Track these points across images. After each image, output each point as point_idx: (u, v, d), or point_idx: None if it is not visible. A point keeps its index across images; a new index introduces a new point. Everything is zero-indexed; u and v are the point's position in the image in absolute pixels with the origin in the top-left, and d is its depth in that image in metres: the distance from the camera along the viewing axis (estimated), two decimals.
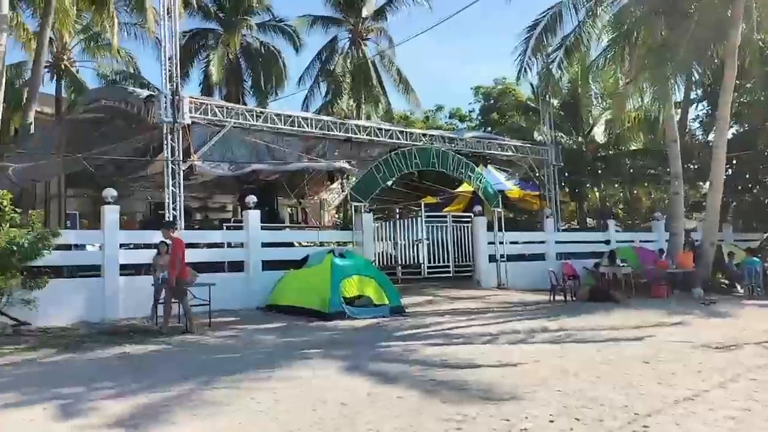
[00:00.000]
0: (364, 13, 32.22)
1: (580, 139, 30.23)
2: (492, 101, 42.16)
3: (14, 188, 14.16)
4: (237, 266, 14.48)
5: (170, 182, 13.69)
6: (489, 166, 25.77)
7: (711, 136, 28.96)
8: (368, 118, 30.20)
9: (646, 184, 30.56)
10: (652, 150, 30.54)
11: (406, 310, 13.16)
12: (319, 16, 32.48)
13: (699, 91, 29.09)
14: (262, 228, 14.59)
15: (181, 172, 13.84)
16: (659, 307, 13.73)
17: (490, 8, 79.71)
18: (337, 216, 30.53)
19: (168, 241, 10.89)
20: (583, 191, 32.15)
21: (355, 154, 17.22)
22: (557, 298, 15.39)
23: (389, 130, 17.92)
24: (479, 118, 43.48)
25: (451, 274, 18.39)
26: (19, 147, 15.85)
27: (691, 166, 28.45)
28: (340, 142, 16.99)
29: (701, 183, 31.86)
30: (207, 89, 29.44)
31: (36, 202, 17.20)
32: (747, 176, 25.56)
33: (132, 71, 29.64)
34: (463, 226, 18.81)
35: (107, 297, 12.18)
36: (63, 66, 28.88)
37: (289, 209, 25.42)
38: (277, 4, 43.85)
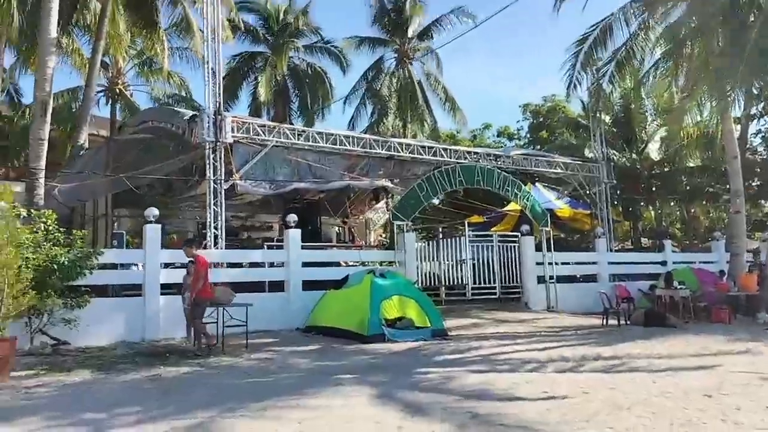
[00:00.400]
0: (410, 33, 32.20)
1: (633, 156, 29.17)
2: (541, 119, 41.46)
3: (62, 208, 14.40)
4: (277, 286, 14.29)
5: (212, 201, 13.63)
6: (537, 184, 25.16)
7: None
8: (414, 137, 29.95)
9: (704, 202, 29.15)
10: (710, 167, 29.34)
11: (449, 334, 12.70)
12: (366, 37, 32.64)
13: (760, 106, 27.89)
14: (303, 247, 14.37)
15: (223, 191, 13.76)
16: (721, 333, 12.88)
17: (540, 25, 78.91)
18: (383, 235, 30.27)
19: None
20: (638, 210, 31.03)
21: (398, 173, 16.90)
22: (610, 322, 14.64)
23: (432, 147, 17.56)
24: (528, 136, 42.77)
25: (497, 296, 17.79)
26: (68, 168, 16.14)
27: (753, 184, 27.15)
28: (382, 161, 16.70)
29: (763, 201, 30.47)
30: (255, 110, 29.77)
31: (84, 222, 17.51)
32: None
33: (184, 94, 30.30)
34: (511, 246, 18.21)
35: (147, 317, 12.11)
36: (118, 90, 29.69)
37: (337, 228, 25.32)
38: (326, 25, 44.28)
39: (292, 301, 13.92)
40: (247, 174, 14.28)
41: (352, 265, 15.13)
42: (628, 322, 14.67)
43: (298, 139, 15.03)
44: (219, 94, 13.92)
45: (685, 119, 17.16)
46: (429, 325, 12.51)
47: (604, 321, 14.69)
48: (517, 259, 18.13)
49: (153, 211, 12.42)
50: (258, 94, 28.37)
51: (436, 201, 19.75)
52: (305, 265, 14.31)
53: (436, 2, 57.64)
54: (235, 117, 14.68)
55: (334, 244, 18.12)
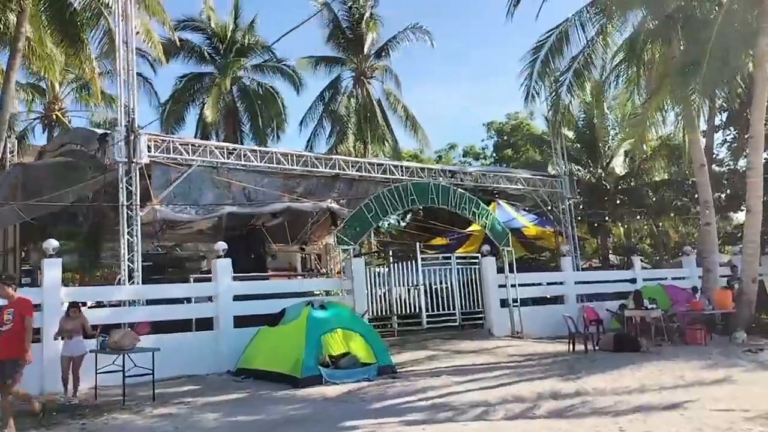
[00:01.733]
0: (366, 50, 31.14)
1: (599, 170, 28.25)
2: (505, 137, 40.65)
3: None
4: (207, 324, 12.74)
5: (125, 230, 12.07)
6: (501, 202, 24.02)
7: (741, 162, 27.01)
8: (376, 157, 28.72)
9: (672, 216, 28.30)
10: (677, 180, 28.62)
11: (399, 370, 11.31)
12: (322, 56, 31.55)
13: (725, 116, 27.25)
14: (235, 279, 12.86)
15: (138, 218, 12.23)
16: (697, 357, 11.64)
17: (506, 42, 78.92)
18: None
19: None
20: (605, 226, 30.08)
21: (345, 193, 15.53)
22: (577, 347, 13.35)
23: (382, 164, 16.27)
24: (493, 155, 41.88)
25: (458, 323, 16.39)
26: None
27: (721, 196, 26.37)
28: (328, 181, 15.34)
29: (732, 213, 29.72)
30: (203, 133, 28.25)
31: None
32: None
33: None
34: (471, 269, 16.90)
35: (45, 367, 10.44)
36: (55, 116, 28.05)
37: (301, 256, 23.85)
38: (281, 44, 42.96)
39: (223, 340, 12.38)
40: (168, 198, 12.76)
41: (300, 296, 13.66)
42: (597, 348, 13.39)
43: (228, 158, 13.60)
44: (133, 109, 12.48)
45: (648, 128, 16.06)
46: (375, 361, 11.08)
47: (571, 347, 13.39)
48: (478, 282, 16.82)
49: (52, 244, 10.84)
50: (204, 116, 26.87)
51: (402, 223, 18.45)
52: (237, 298, 12.79)
53: (393, 20, 56.97)
54: (152, 135, 13.22)
55: (273, 274, 16.58)
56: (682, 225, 35.94)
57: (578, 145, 30.48)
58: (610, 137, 30.31)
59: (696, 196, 17.63)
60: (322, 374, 10.35)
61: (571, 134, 30.77)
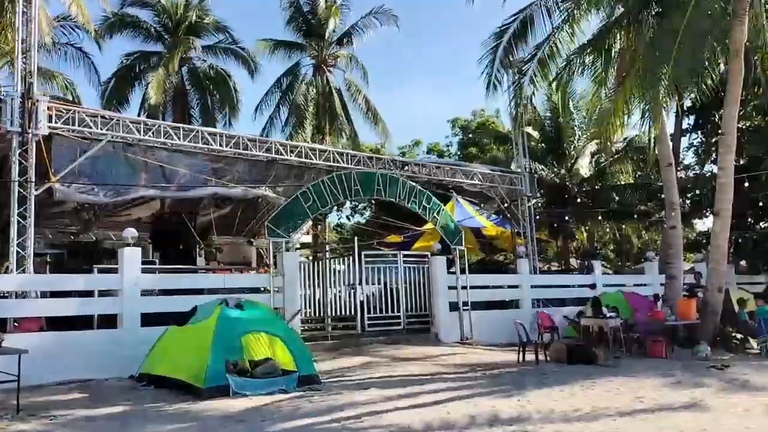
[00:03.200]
0: (327, 36, 29.65)
1: (563, 171, 27.22)
2: (470, 134, 39.51)
3: None
4: (112, 321, 11.18)
5: (16, 211, 10.44)
6: (460, 199, 22.84)
7: (707, 167, 26.27)
8: None
9: (635, 218, 27.44)
10: (642, 183, 27.81)
11: (325, 380, 9.93)
12: (281, 40, 29.93)
13: (692, 119, 26.51)
14: (144, 271, 11.31)
15: (33, 197, 10.60)
16: (658, 373, 10.49)
17: (474, 34, 78.04)
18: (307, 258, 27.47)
19: None
20: (568, 229, 29.12)
21: (282, 180, 14.06)
22: (528, 357, 12.11)
23: (325, 150, 14.83)
24: (458, 152, 40.72)
25: (401, 327, 15.05)
26: None
27: (686, 202, 25.58)
28: (263, 166, 13.86)
29: (696, 219, 29.03)
30: (148, 116, 26.41)
31: None
32: (750, 210, 22.57)
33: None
34: (419, 268, 15.58)
35: None
36: None
37: (256, 250, 22.32)
38: (235, 25, 41.16)
39: (127, 340, 10.83)
40: (71, 177, 11.15)
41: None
42: (549, 358, 12.17)
43: (145, 134, 12.02)
44: (30, 72, 10.83)
45: (614, 124, 14.85)
46: (296, 369, 9.67)
47: (520, 356, 12.15)
48: (426, 283, 15.52)
49: None
50: (148, 96, 25.05)
51: (361, 219, 17.03)
52: (147, 293, 11.25)
53: (358, 7, 55.45)
54: (54, 103, 11.57)
55: (197, 267, 14.99)
56: (645, 231, 35.37)
57: (543, 145, 29.54)
58: (576, 138, 29.31)
59: (662, 197, 16.55)
60: (230, 384, 8.91)
61: (536, 134, 29.84)
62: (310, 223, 23.35)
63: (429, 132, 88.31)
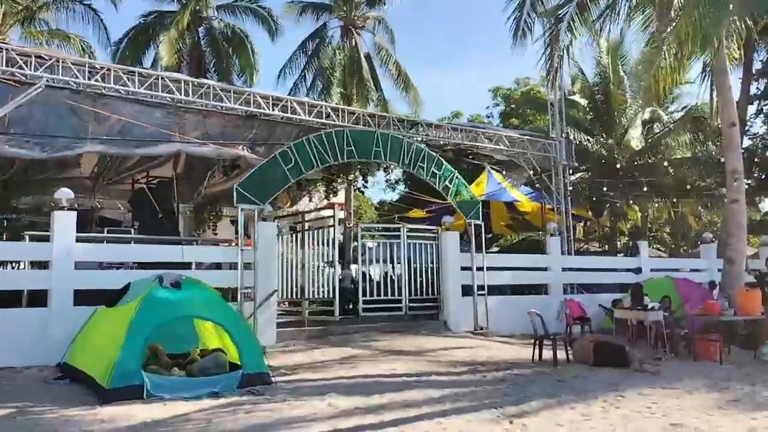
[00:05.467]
0: None
1: (610, 142, 24.32)
2: (513, 105, 36.68)
3: None
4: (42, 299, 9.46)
5: None
6: (491, 170, 20.55)
7: None
8: None
9: (693, 194, 24.37)
10: (702, 158, 24.71)
11: (280, 379, 8.06)
12: (309, 2, 28.05)
13: (762, 84, 23.33)
14: (79, 240, 9.50)
15: None
16: (708, 384, 8.12)
17: None
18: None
19: None
20: (616, 207, 26.23)
21: (264, 138, 12.05)
22: (545, 355, 9.85)
23: (316, 105, 12.71)
24: (499, 124, 37.98)
25: (403, 313, 12.93)
26: None
27: (753, 175, 22.54)
28: (241, 121, 11.87)
29: (764, 197, 25.82)
30: None
31: None
32: None
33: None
34: (426, 245, 13.41)
35: None
36: None
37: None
38: None
39: (56, 321, 9.11)
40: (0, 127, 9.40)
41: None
42: (571, 357, 9.88)
43: (91, 79, 10.14)
44: None
45: (665, 69, 12.11)
46: (240, 365, 7.73)
47: (536, 355, 9.90)
48: (435, 262, 13.35)
49: None
50: (159, 57, 23.39)
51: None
52: (83, 267, 9.46)
53: None
54: None
55: (164, 238, 13.03)
56: (705, 211, 32.00)
57: (591, 115, 26.70)
58: (627, 106, 26.28)
59: (724, 173, 13.78)
60: (146, 383, 7.01)
61: (583, 102, 27.05)
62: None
63: (472, 107, 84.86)
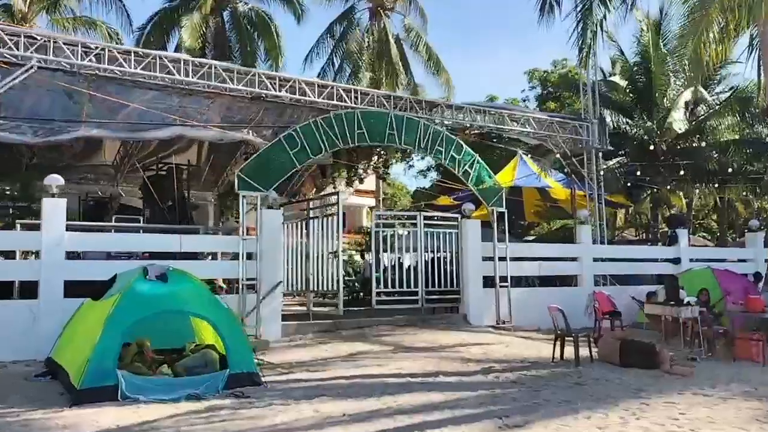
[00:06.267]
0: None
1: (649, 124, 22.99)
2: (549, 88, 35.31)
3: None
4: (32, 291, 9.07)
5: None
6: (524, 156, 19.70)
7: None
8: None
9: (741, 183, 22.92)
10: (750, 140, 23.23)
11: (273, 378, 7.55)
12: None
13: None
14: (70, 228, 9.07)
15: None
16: (746, 391, 7.26)
17: None
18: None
19: None
20: (660, 194, 24.87)
21: (272, 121, 11.45)
22: (567, 354, 9.05)
23: (327, 86, 12.04)
24: (536, 108, 36.66)
25: (419, 305, 12.23)
26: None
27: None
28: (246, 104, 11.29)
29: None
30: None
31: None
32: None
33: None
34: (447, 234, 12.66)
35: None
36: None
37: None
38: None
39: (44, 314, 8.71)
40: None
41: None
42: (596, 357, 9.05)
43: (83, 59, 9.66)
44: None
45: (706, 41, 10.94)
46: (228, 364, 7.17)
47: (557, 352, 9.10)
48: (453, 252, 12.60)
49: None
50: (182, 41, 23.03)
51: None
52: (75, 257, 9.05)
53: None
54: None
55: (160, 227, 12.54)
56: (753, 197, 30.24)
57: (631, 96, 25.34)
58: (669, 87, 24.83)
59: None
60: (120, 385, 6.51)
61: (623, 83, 25.70)
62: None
63: (510, 92, 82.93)
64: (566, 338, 9.09)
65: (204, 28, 24.07)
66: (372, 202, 31.35)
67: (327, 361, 8.85)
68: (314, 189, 20.49)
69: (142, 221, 12.95)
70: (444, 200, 21.56)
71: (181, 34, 23.27)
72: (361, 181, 20.35)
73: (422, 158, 27.51)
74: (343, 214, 11.62)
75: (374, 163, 18.77)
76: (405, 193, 42.35)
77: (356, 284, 12.38)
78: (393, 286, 11.94)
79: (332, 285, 11.19)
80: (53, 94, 9.63)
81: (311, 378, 7.80)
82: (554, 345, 9.17)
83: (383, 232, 12.16)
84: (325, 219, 11.52)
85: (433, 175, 35.62)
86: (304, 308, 12.29)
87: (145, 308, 7.13)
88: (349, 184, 19.22)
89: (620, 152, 23.05)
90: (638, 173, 19.72)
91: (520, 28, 73.76)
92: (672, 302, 10.07)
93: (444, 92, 29.80)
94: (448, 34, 56.17)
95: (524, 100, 37.73)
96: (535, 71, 36.03)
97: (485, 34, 72.77)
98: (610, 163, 21.34)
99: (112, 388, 6.46)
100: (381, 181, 28.00)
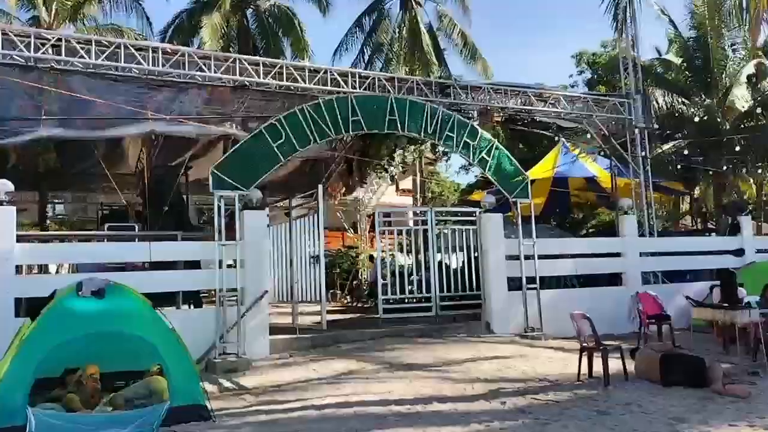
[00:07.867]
0: None
1: (708, 102, 20.75)
2: (599, 71, 33.09)
3: None
4: None
5: None
6: (566, 142, 18.09)
7: None
8: None
9: None
10: None
11: (236, 406, 6.45)
12: None
13: None
14: (20, 239, 8.10)
15: None
16: None
17: None
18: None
19: None
20: (720, 179, 22.54)
21: (258, 112, 10.28)
22: (596, 370, 7.47)
23: (319, 70, 10.75)
24: None
25: (433, 313, 10.81)
26: None
27: None
28: (229, 93, 10.16)
29: None
30: None
31: None
32: None
33: None
34: (464, 231, 11.21)
35: None
36: None
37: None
38: None
39: None
40: None
41: None
42: (634, 372, 7.45)
43: (37, 52, 8.71)
44: None
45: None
46: (169, 397, 6.01)
47: (583, 369, 7.54)
48: (472, 251, 11.14)
49: None
50: (202, 42, 22.28)
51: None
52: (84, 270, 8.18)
53: None
54: None
55: (138, 234, 11.44)
56: None
57: (687, 74, 23.12)
58: (729, 60, 22.45)
59: None
60: (29, 426, 5.41)
61: (678, 60, 23.49)
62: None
63: (558, 79, 79.94)
64: (592, 351, 7.53)
65: (226, 28, 23.32)
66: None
67: (307, 384, 7.57)
68: (344, 188, 19.30)
69: (139, 228, 12.00)
70: (477, 195, 20.06)
71: (201, 35, 22.55)
72: (392, 179, 19.12)
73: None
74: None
75: (404, 156, 17.43)
76: (453, 191, 40.81)
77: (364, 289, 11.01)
78: (401, 293, 10.55)
79: (316, 294, 9.90)
80: (9, 90, 8.71)
81: (276, 409, 6.54)
82: (579, 360, 7.61)
83: (387, 230, 10.78)
84: (303, 219, 10.21)
85: (477, 170, 34.02)
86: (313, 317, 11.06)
87: (72, 329, 6.04)
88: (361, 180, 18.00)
89: (677, 135, 21.03)
90: (700, 158, 17.64)
91: (572, 14, 70.87)
92: (726, 304, 8.32)
93: (482, 80, 28.28)
94: (496, 23, 53.99)
95: (572, 86, 35.57)
96: (582, 54, 33.88)
97: (532, 21, 70.24)
98: (666, 147, 19.46)
99: (20, 429, 5.38)
100: (419, 178, 26.70)
